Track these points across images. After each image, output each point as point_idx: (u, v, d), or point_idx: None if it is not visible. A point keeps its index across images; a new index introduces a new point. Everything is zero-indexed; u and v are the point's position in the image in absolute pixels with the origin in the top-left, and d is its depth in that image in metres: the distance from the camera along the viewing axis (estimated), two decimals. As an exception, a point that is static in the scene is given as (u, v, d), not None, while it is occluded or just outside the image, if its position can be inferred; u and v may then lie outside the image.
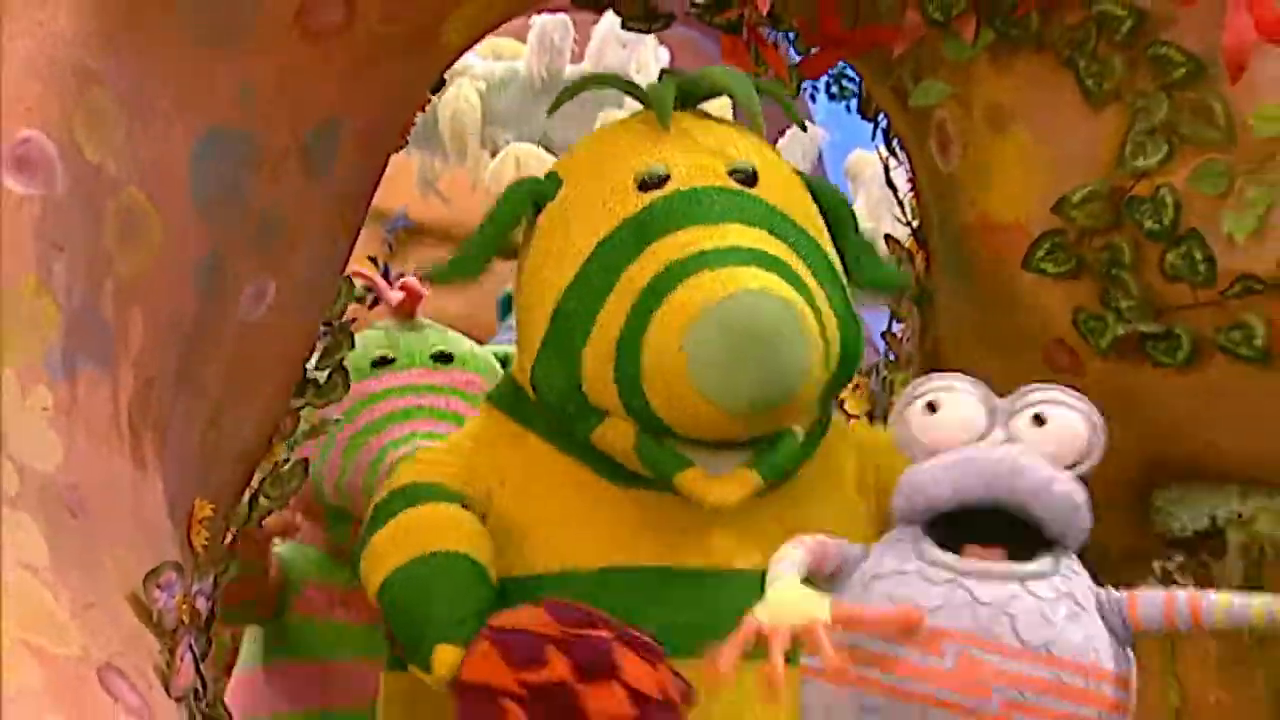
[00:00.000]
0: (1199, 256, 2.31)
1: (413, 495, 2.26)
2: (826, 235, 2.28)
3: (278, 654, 3.11)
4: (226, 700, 2.78)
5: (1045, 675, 1.72)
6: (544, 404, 2.24)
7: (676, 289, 2.04)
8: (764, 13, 2.51)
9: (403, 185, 4.86)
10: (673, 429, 2.08)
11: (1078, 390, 2.54)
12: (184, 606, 2.26)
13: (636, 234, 2.15)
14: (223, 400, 2.49)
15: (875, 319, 3.09)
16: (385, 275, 4.27)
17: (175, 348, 2.36)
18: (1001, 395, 1.91)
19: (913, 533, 1.86)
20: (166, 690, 2.18)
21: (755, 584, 2.05)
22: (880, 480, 2.25)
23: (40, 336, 2.15)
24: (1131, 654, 1.84)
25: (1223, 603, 1.81)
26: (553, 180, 2.31)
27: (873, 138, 3.12)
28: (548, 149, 5.23)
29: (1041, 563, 1.80)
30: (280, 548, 3.09)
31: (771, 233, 2.14)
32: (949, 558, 1.80)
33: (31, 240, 2.14)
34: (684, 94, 2.36)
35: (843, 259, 2.29)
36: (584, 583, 2.15)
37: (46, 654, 1.97)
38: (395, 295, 3.03)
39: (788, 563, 1.85)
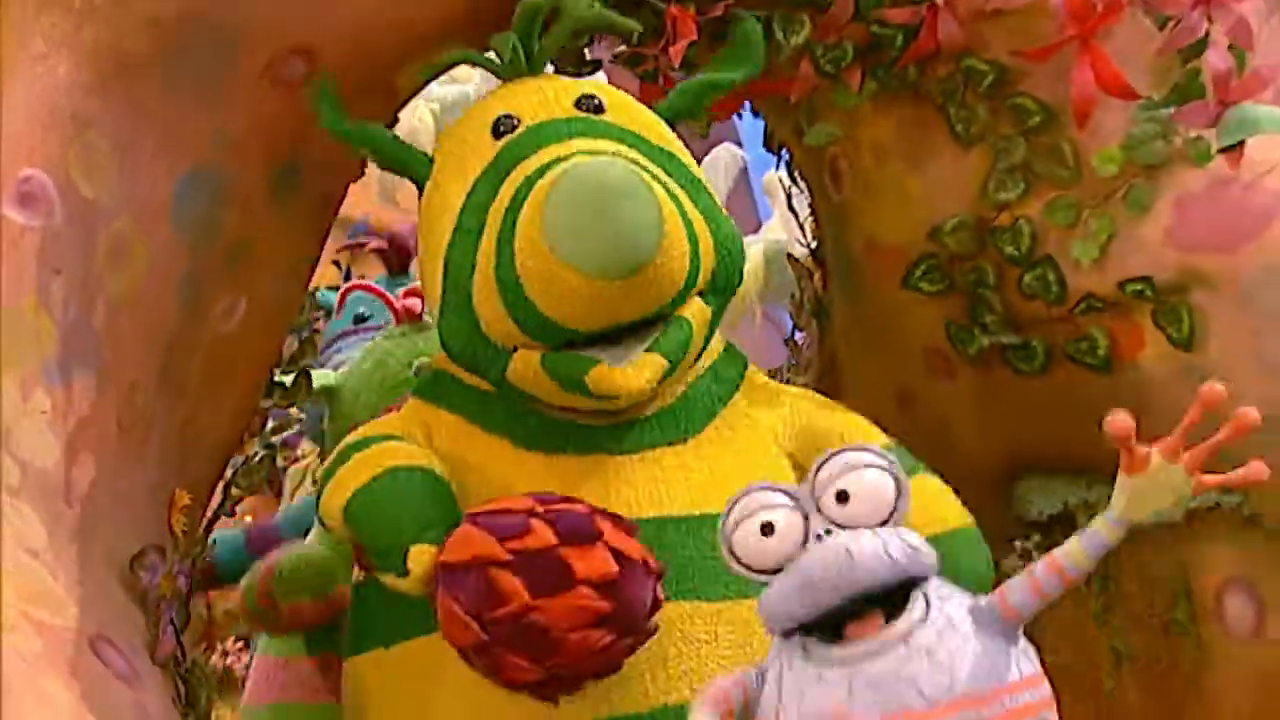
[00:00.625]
0: (1051, 278, 2.41)
1: (366, 442, 2.18)
2: (690, 157, 2.22)
3: (326, 646, 2.88)
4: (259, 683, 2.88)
5: (966, 718, 1.65)
6: (458, 361, 2.17)
7: (530, 192, 1.98)
8: (676, 63, 2.55)
9: (365, 196, 4.91)
10: (560, 323, 1.99)
11: (952, 391, 2.69)
12: (166, 584, 2.37)
13: (494, 174, 2.11)
14: (199, 401, 2.57)
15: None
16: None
17: (157, 356, 2.45)
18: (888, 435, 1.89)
19: (796, 640, 1.78)
20: (151, 657, 2.28)
21: (672, 528, 2.05)
22: (799, 452, 2.19)
23: (39, 348, 2.24)
24: (1025, 643, 1.75)
25: (1075, 549, 1.74)
26: (426, 161, 2.29)
27: (776, 168, 3.20)
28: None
29: (915, 607, 1.73)
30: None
31: (622, 143, 2.10)
32: (839, 651, 1.72)
33: (32, 265, 2.24)
34: (534, 38, 2.31)
35: None
36: None
37: (45, 625, 2.07)
38: (406, 302, 3.00)
39: None
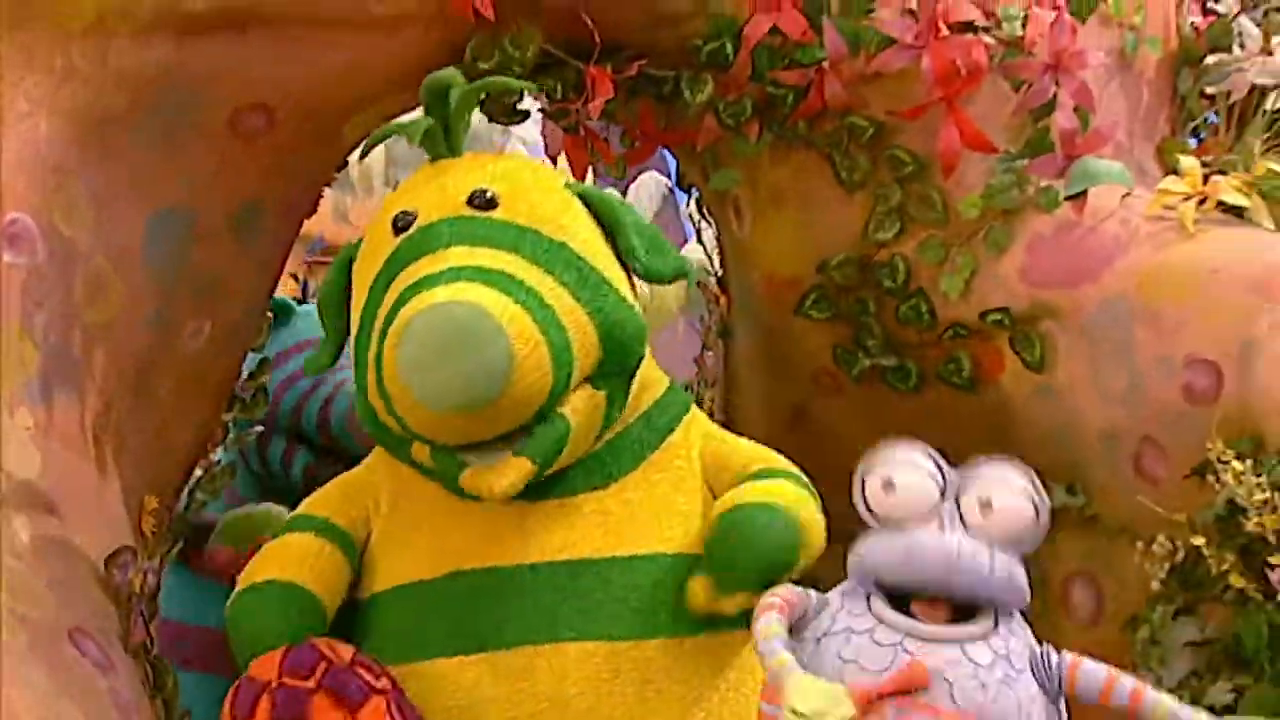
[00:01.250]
0: (923, 309, 2.51)
1: (289, 525, 2.26)
2: (592, 239, 2.16)
3: None
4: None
5: None
6: (374, 439, 2.19)
7: (399, 312, 1.95)
8: (595, 117, 2.63)
9: (320, 215, 4.96)
10: (428, 438, 2.00)
11: (840, 407, 2.79)
12: (137, 580, 2.40)
13: (386, 275, 2.08)
14: (169, 415, 2.64)
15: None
16: (304, 290, 4.38)
17: (130, 375, 2.52)
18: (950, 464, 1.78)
19: (868, 586, 1.77)
20: (124, 647, 2.32)
21: (583, 570, 2.06)
22: (706, 469, 2.18)
23: (23, 372, 2.33)
24: (1064, 708, 1.75)
25: (1163, 708, 1.68)
26: (357, 241, 2.26)
27: (686, 206, 3.30)
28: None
29: (982, 623, 1.71)
30: None
31: (500, 248, 2.04)
32: (899, 619, 1.70)
33: (18, 298, 2.32)
34: (449, 112, 2.27)
35: (622, 259, 2.18)
36: (430, 591, 2.11)
37: (29, 620, 2.13)
38: None
39: (778, 641, 1.72)
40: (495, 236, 2.04)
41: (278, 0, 2.47)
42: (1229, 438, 2.20)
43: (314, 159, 2.79)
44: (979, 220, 2.49)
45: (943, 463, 1.76)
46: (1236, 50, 2.71)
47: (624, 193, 4.37)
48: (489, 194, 2.09)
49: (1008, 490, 1.73)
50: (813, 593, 1.79)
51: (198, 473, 2.85)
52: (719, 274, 3.18)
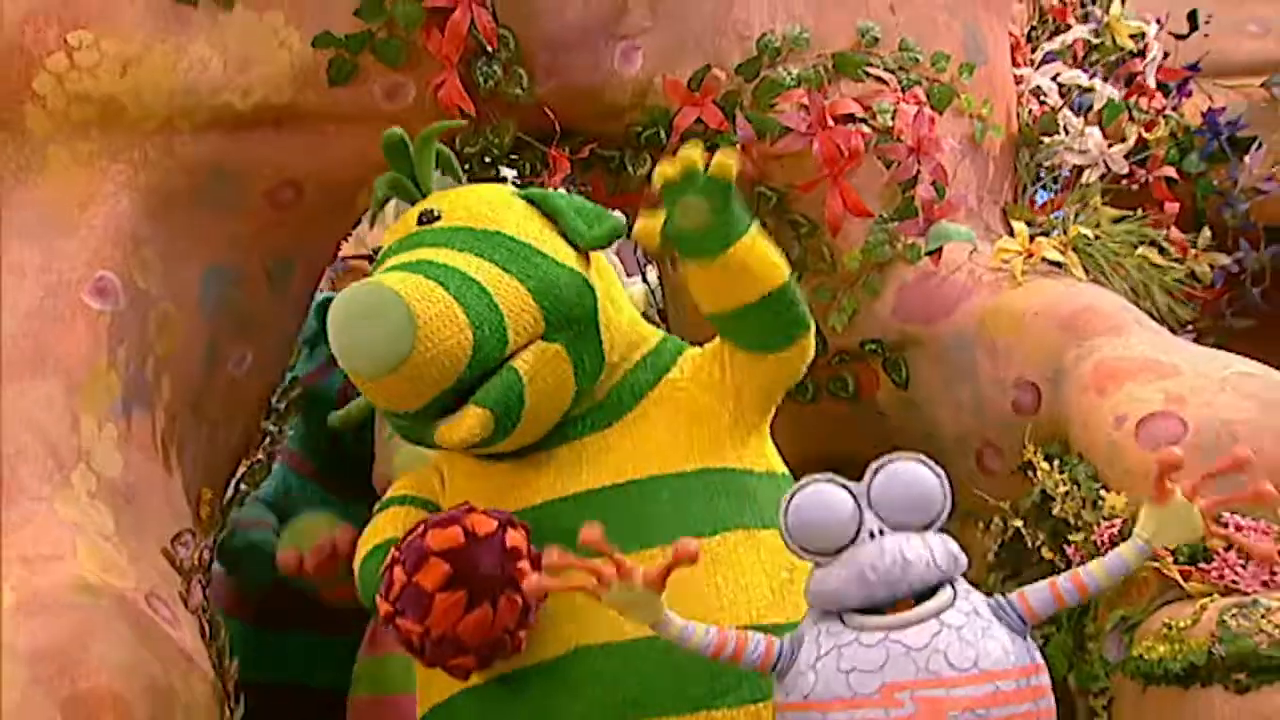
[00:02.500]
0: (818, 339, 2.43)
1: (383, 505, 2.24)
2: (525, 224, 2.13)
3: None
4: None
5: (985, 690, 1.60)
6: (400, 433, 2.19)
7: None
8: (557, 187, 2.71)
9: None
10: (391, 410, 2.04)
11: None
12: (195, 555, 2.64)
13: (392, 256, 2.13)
14: (218, 425, 2.83)
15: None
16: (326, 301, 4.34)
17: (189, 395, 2.74)
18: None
19: (832, 615, 1.72)
20: (185, 606, 2.54)
21: (595, 499, 2.03)
22: (735, 380, 2.13)
23: (109, 395, 2.56)
24: (1032, 642, 1.71)
25: (1098, 568, 1.69)
26: None
27: (634, 250, 3.42)
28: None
29: (943, 596, 1.67)
30: None
31: (431, 245, 2.04)
32: (876, 619, 1.66)
33: (105, 338, 2.56)
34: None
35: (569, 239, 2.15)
36: None
37: (114, 586, 2.35)
38: None
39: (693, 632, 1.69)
40: (428, 239, 2.05)
41: (305, 101, 2.67)
42: (1042, 442, 2.40)
43: (333, 223, 2.97)
44: (859, 270, 2.63)
45: (844, 481, 1.72)
46: (1061, 135, 2.92)
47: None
48: (434, 212, 2.12)
49: (911, 474, 1.71)
50: (776, 639, 1.73)
51: (241, 470, 3.02)
52: (660, 306, 3.34)
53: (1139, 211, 3.42)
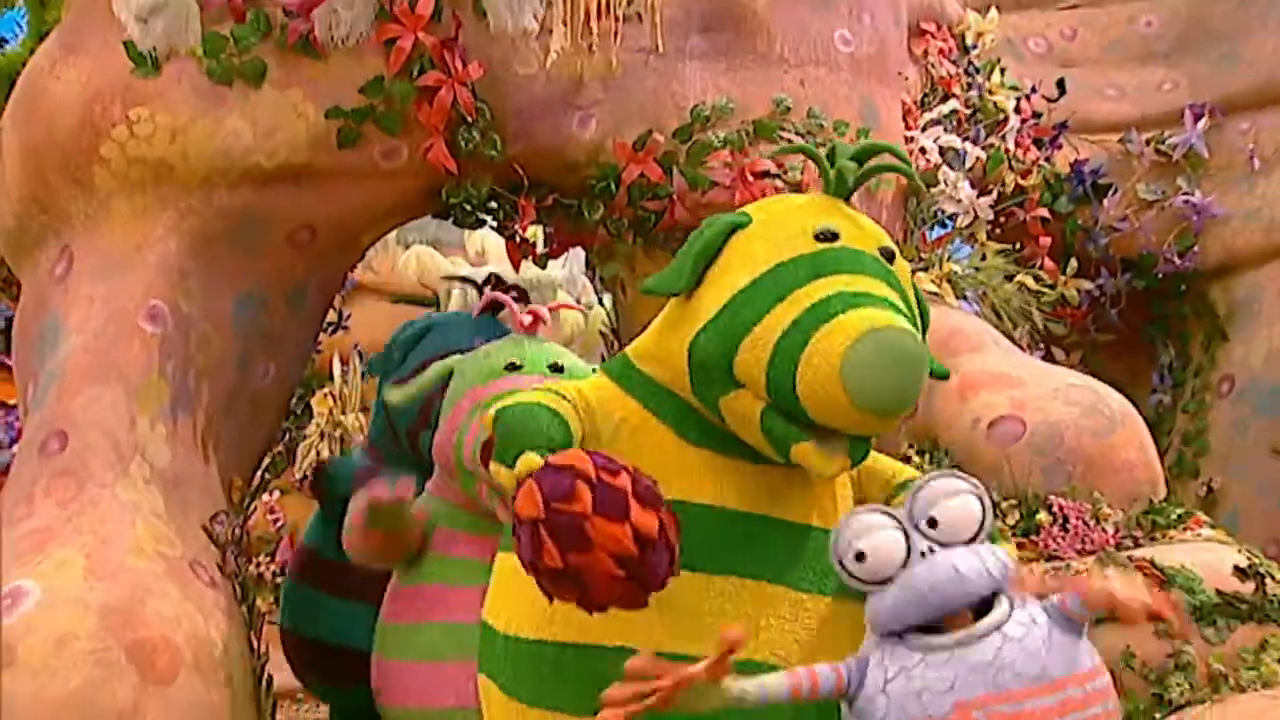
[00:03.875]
0: None
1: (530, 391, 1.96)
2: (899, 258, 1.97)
3: (411, 580, 2.66)
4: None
5: (1053, 700, 1.49)
6: (690, 362, 1.87)
7: (845, 313, 1.73)
8: (525, 231, 3.02)
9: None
10: (810, 416, 1.74)
11: None
12: (228, 531, 2.80)
13: (812, 266, 1.83)
14: (247, 425, 3.02)
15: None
16: (340, 317, 4.28)
17: (223, 400, 2.91)
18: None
19: (894, 636, 1.60)
20: (221, 572, 2.70)
21: (788, 532, 1.88)
22: (861, 475, 2.01)
23: (159, 401, 2.75)
24: (1089, 642, 1.60)
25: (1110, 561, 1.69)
26: (745, 217, 1.96)
27: (593, 280, 3.67)
28: (435, 245, 5.62)
29: (1000, 608, 1.56)
30: (425, 499, 2.69)
31: (858, 274, 1.82)
32: (941, 639, 1.55)
33: (156, 354, 2.75)
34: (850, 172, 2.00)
35: None
36: None
37: (165, 555, 2.54)
38: (525, 318, 2.69)
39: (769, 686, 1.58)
40: (846, 264, 1.85)
41: (320, 161, 2.87)
42: (916, 440, 2.64)
43: (342, 258, 3.18)
44: (776, 299, 2.81)
45: (887, 509, 1.64)
46: (941, 186, 3.15)
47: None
48: (891, 251, 1.94)
49: (955, 490, 1.62)
50: (842, 666, 1.62)
51: (265, 461, 3.18)
52: (614, 327, 3.51)
53: (1018, 245, 3.78)
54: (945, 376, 2.02)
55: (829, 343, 1.71)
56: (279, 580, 4.00)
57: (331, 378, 5.26)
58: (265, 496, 4.51)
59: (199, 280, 2.87)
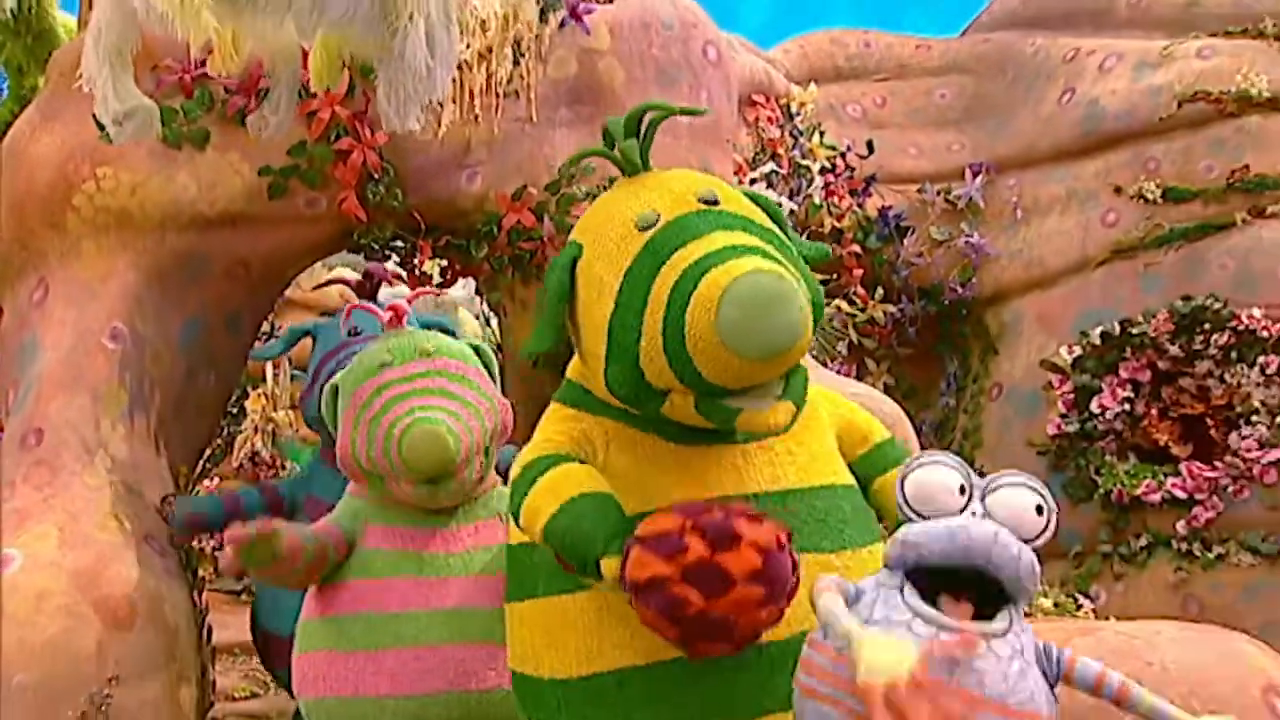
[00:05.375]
0: None
1: (542, 465, 1.79)
2: (777, 230, 1.86)
3: (334, 578, 2.36)
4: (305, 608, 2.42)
5: None
6: (619, 398, 1.77)
7: (698, 284, 1.62)
8: (424, 266, 3.21)
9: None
10: (714, 384, 1.65)
11: None
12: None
13: (651, 259, 1.71)
14: (191, 423, 3.16)
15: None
16: (272, 328, 4.41)
17: (172, 404, 3.05)
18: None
19: (899, 579, 1.48)
20: (171, 544, 2.86)
21: (790, 499, 1.77)
22: (839, 430, 1.92)
23: (119, 405, 2.90)
24: (1055, 694, 1.48)
25: (1147, 699, 1.45)
26: (576, 247, 1.85)
27: (481, 301, 3.85)
28: (353, 267, 5.33)
29: (1001, 620, 1.44)
30: (346, 500, 2.45)
31: (745, 231, 1.72)
32: (934, 613, 1.42)
33: (117, 367, 2.91)
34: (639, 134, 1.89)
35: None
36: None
37: (124, 529, 2.71)
38: (385, 315, 2.55)
39: (841, 612, 1.44)
40: (736, 224, 1.75)
41: (253, 210, 3.06)
42: None
43: (272, 288, 3.33)
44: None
45: (962, 463, 1.55)
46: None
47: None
48: (714, 195, 1.82)
49: (1034, 494, 1.50)
50: (850, 585, 1.53)
51: (207, 452, 3.34)
52: (499, 341, 3.75)
53: (836, 276, 4.19)
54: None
55: (699, 308, 1.62)
56: (216, 553, 4.09)
57: (264, 380, 5.31)
58: (207, 482, 4.48)
59: (153, 307, 3.02)
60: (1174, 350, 3.88)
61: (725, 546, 1.52)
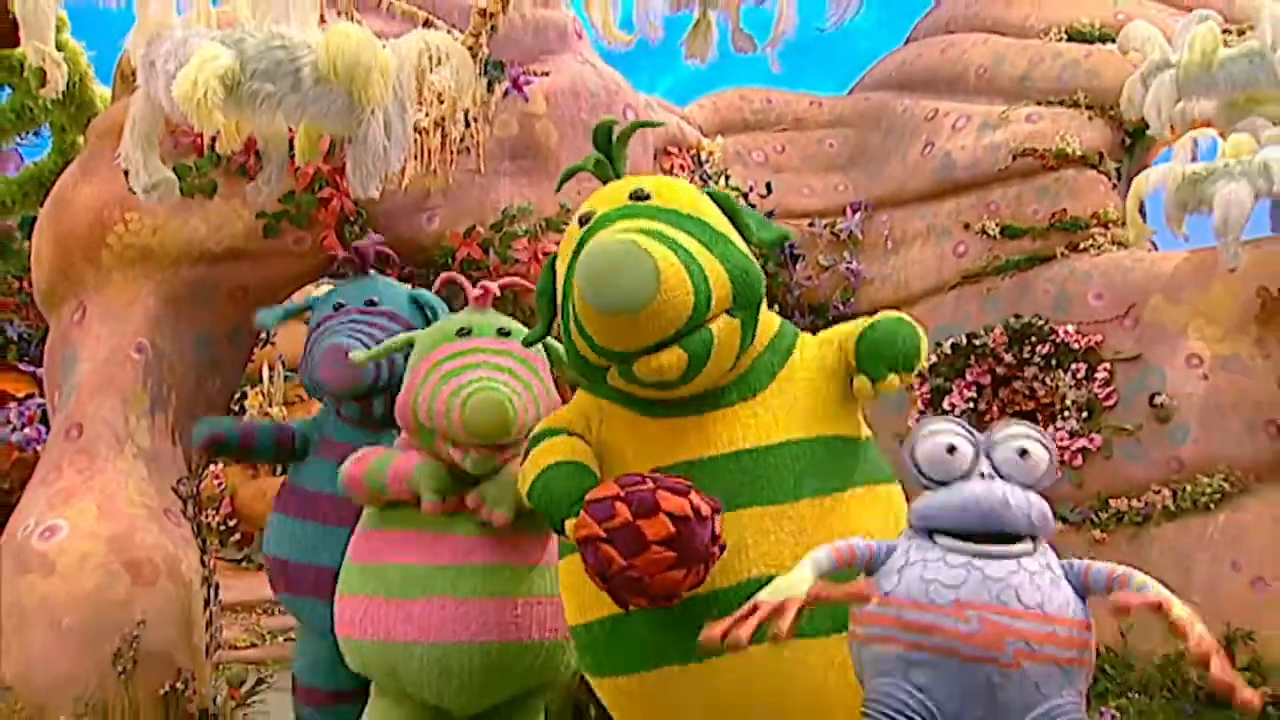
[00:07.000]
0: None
1: (540, 437, 1.92)
2: (716, 217, 1.88)
3: (378, 524, 2.37)
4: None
5: (1043, 629, 1.41)
6: (581, 376, 1.89)
7: (576, 265, 1.71)
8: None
9: None
10: (606, 348, 1.73)
11: None
12: (188, 490, 3.26)
13: (577, 252, 1.81)
14: (202, 417, 3.20)
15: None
16: (268, 335, 4.49)
17: (185, 404, 3.32)
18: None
19: (925, 534, 1.51)
20: (184, 516, 3.16)
21: (745, 458, 1.80)
22: (841, 357, 1.89)
23: (142, 405, 3.20)
24: (1087, 606, 1.49)
25: (1138, 579, 1.47)
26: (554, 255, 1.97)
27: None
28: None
29: (1025, 544, 1.47)
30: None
31: (652, 219, 1.78)
32: (965, 544, 1.45)
33: (141, 374, 3.19)
34: (610, 148, 2.00)
35: (742, 234, 1.92)
36: None
37: (148, 505, 3.03)
38: (475, 292, 2.53)
39: (809, 563, 1.48)
40: (644, 213, 1.83)
41: (252, 246, 3.34)
42: None
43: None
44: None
45: (968, 426, 1.54)
46: None
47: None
48: (646, 191, 1.90)
49: (1034, 441, 1.51)
50: (874, 543, 1.55)
51: None
52: None
53: None
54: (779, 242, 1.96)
55: (575, 285, 1.70)
56: (221, 526, 4.46)
57: (262, 379, 5.64)
58: (212, 467, 4.86)
59: (170, 325, 3.32)
60: (1008, 359, 4.16)
61: (644, 514, 1.61)
